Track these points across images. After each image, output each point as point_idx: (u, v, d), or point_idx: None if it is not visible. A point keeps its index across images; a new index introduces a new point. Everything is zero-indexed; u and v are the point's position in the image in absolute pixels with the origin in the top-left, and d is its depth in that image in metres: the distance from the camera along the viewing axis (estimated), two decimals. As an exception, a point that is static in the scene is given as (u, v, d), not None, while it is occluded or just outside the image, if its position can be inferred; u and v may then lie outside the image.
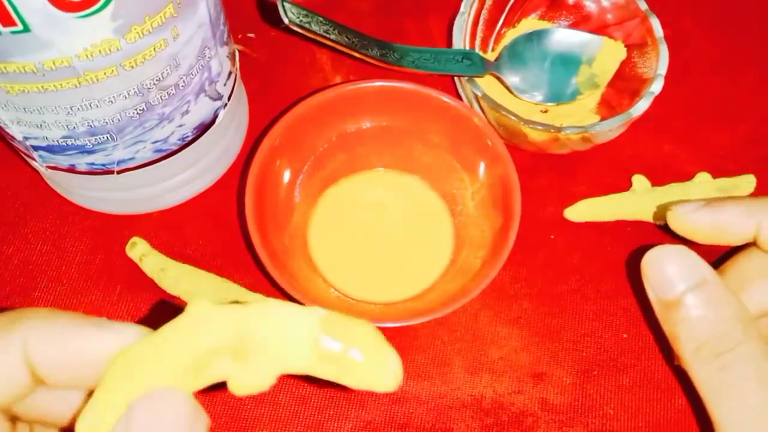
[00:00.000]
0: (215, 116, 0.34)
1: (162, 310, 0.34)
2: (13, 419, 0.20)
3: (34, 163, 0.33)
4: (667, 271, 0.26)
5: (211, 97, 0.32)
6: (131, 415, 0.17)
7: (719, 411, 0.25)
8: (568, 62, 0.39)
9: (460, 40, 0.37)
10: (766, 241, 0.27)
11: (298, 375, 0.27)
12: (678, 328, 0.26)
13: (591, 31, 0.39)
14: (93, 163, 0.31)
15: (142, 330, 0.19)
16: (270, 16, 0.42)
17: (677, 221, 0.29)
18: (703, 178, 0.38)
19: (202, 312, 0.18)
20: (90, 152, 0.30)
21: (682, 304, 0.26)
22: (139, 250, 0.35)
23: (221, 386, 0.18)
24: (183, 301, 0.35)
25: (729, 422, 0.24)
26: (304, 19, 0.33)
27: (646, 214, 0.37)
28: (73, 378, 0.19)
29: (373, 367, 0.18)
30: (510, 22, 0.40)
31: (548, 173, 0.39)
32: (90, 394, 0.18)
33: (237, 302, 0.18)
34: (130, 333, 0.18)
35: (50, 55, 0.25)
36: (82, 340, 0.18)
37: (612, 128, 0.35)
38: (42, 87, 0.26)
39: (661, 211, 0.35)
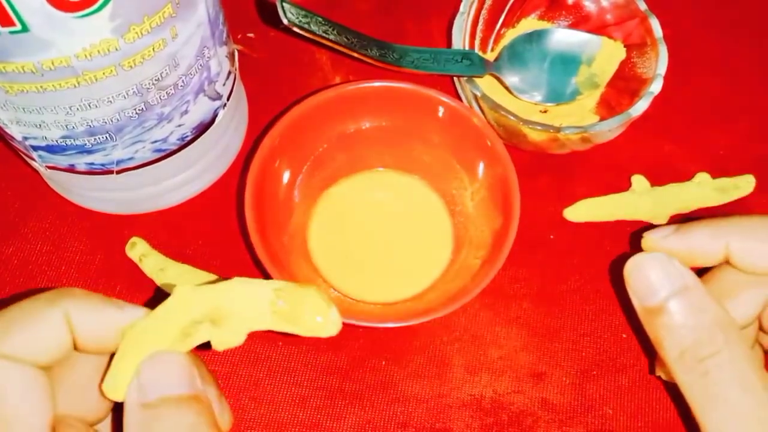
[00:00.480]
0: (214, 116, 0.34)
1: (159, 297, 0.35)
2: None
3: (33, 163, 0.33)
4: (649, 278, 0.26)
5: (210, 97, 0.32)
6: (140, 373, 0.22)
7: (704, 417, 0.25)
8: (568, 62, 0.39)
9: (460, 40, 0.37)
10: (736, 260, 0.27)
11: (298, 375, 0.32)
12: (661, 334, 0.26)
13: (590, 31, 0.39)
14: (92, 163, 0.31)
15: (145, 310, 0.24)
16: (269, 16, 0.42)
17: (651, 248, 0.29)
18: (702, 178, 0.38)
19: (184, 293, 0.23)
20: (89, 152, 0.30)
21: (664, 310, 0.26)
22: (138, 250, 0.35)
23: (207, 346, 0.23)
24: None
25: (714, 428, 0.24)
26: (304, 20, 0.33)
27: (646, 214, 0.37)
28: (98, 344, 0.23)
29: (318, 321, 0.23)
30: (509, 22, 0.40)
31: (548, 173, 0.39)
32: (112, 356, 0.23)
33: (212, 282, 0.24)
34: (137, 312, 0.23)
35: (49, 55, 0.25)
36: (107, 315, 0.23)
37: (611, 128, 0.35)
38: (41, 87, 0.26)
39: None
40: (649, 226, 0.37)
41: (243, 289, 0.23)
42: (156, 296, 0.35)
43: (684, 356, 0.25)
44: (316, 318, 0.23)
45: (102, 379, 0.23)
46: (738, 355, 0.25)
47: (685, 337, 0.25)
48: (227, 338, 0.23)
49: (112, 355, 0.23)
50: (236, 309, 0.23)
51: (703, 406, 0.25)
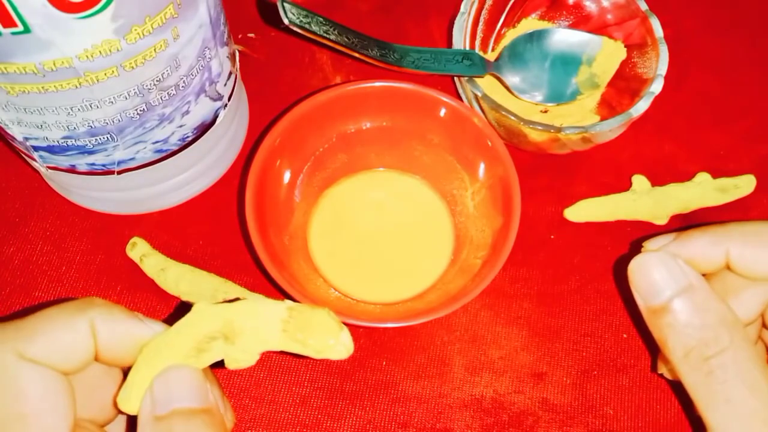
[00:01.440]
0: (215, 116, 0.34)
1: (181, 311, 0.35)
2: None
3: (34, 164, 0.33)
4: (653, 278, 0.26)
5: (211, 98, 0.32)
6: (152, 387, 0.23)
7: (709, 416, 0.25)
8: (568, 62, 0.39)
9: (460, 40, 0.37)
10: (737, 267, 0.27)
11: (299, 375, 0.34)
12: (666, 333, 0.26)
13: (591, 31, 0.39)
14: (93, 164, 0.31)
15: (164, 325, 0.24)
16: (270, 16, 0.42)
17: None
18: (703, 178, 0.38)
19: (201, 309, 0.23)
20: (90, 153, 0.30)
21: (669, 310, 0.26)
22: (139, 250, 0.35)
23: (221, 365, 0.23)
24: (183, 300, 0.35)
25: (720, 427, 0.25)
26: (304, 20, 0.33)
27: (646, 214, 0.37)
28: (118, 355, 0.23)
29: (329, 343, 0.23)
30: (510, 22, 0.40)
31: (548, 173, 0.39)
32: (126, 371, 0.23)
33: (231, 300, 0.24)
34: (157, 327, 0.24)
35: (51, 55, 0.25)
36: (130, 327, 0.23)
37: (612, 128, 0.35)
38: (42, 87, 0.26)
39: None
40: (650, 228, 0.37)
41: (257, 308, 0.23)
42: (176, 312, 0.35)
43: (689, 356, 0.25)
44: (327, 340, 0.23)
45: (117, 392, 0.23)
46: (743, 355, 0.25)
47: (690, 337, 0.25)
48: (240, 357, 0.23)
49: (126, 368, 0.23)
50: (249, 326, 0.23)
51: (708, 405, 0.25)
